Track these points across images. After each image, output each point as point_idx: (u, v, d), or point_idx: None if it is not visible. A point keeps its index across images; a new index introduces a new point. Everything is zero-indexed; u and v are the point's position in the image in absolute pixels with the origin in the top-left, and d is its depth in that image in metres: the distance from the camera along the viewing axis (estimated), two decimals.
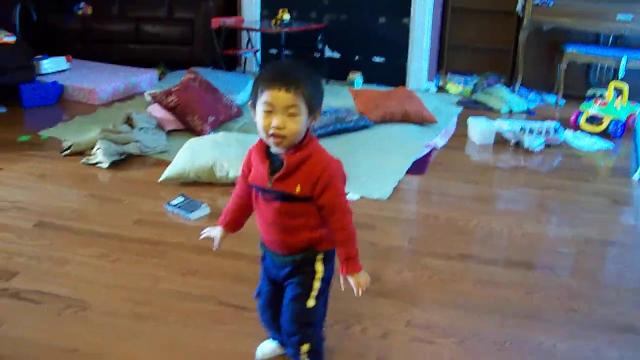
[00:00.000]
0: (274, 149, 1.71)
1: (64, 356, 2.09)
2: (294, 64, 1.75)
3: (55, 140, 4.30)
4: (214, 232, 1.95)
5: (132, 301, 2.42)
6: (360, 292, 1.75)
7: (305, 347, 1.87)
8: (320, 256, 1.81)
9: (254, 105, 1.68)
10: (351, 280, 1.76)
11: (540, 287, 2.60)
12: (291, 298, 1.83)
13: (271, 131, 1.63)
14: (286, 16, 5.82)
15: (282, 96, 1.61)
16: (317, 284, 1.81)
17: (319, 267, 1.81)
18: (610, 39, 6.01)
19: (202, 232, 1.99)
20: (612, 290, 2.62)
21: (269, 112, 1.63)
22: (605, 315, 2.41)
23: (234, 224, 1.93)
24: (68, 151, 3.99)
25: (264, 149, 1.74)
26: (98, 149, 3.84)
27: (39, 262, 2.71)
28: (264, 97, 1.62)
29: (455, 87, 6.23)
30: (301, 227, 1.76)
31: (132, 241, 2.91)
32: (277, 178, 1.69)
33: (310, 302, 1.81)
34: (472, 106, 5.60)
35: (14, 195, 3.39)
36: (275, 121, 1.62)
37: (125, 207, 3.29)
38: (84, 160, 3.87)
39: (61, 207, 3.26)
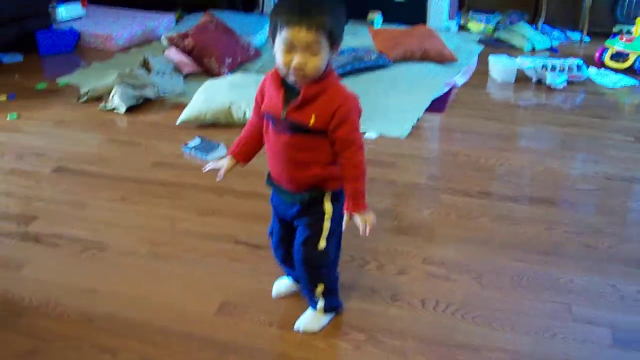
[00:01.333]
0: (290, 79, 1.65)
1: (84, 296, 2.12)
2: None
3: (73, 87, 4.30)
4: (221, 162, 1.87)
5: (150, 242, 2.44)
6: (367, 231, 1.69)
7: (319, 288, 1.88)
8: (328, 195, 1.77)
9: (273, 37, 1.62)
10: (357, 218, 1.70)
11: (560, 224, 2.57)
12: (302, 241, 1.80)
13: (292, 69, 1.58)
14: None
15: (303, 34, 1.53)
16: (327, 224, 1.78)
17: (328, 207, 1.78)
18: None
19: (206, 165, 1.90)
20: (632, 227, 2.59)
21: (289, 49, 1.57)
22: (624, 251, 2.39)
23: (245, 154, 1.87)
24: (85, 97, 3.99)
25: (279, 77, 1.68)
26: (115, 93, 3.83)
27: (57, 206, 2.73)
28: (284, 34, 1.55)
29: (477, 25, 6.07)
30: (310, 161, 1.72)
31: (150, 183, 2.92)
32: (292, 107, 1.64)
33: (322, 244, 1.79)
34: (494, 44, 5.47)
35: (32, 141, 3.41)
36: (296, 60, 1.56)
37: (143, 150, 3.30)
38: (101, 105, 3.86)
39: (79, 152, 3.28)
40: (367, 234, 1.69)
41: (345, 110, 1.64)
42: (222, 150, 3.21)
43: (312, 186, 1.76)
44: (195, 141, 3.29)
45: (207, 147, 3.22)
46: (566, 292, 2.14)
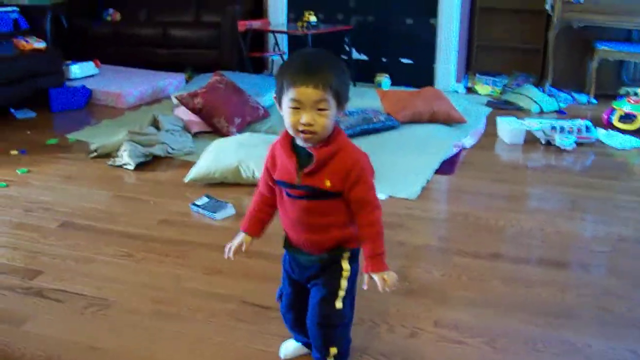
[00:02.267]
0: (301, 143, 1.65)
1: (85, 354, 2.07)
2: (319, 53, 1.68)
3: (83, 143, 4.33)
4: (237, 240, 1.84)
5: (155, 300, 2.39)
6: (386, 289, 1.67)
7: (333, 350, 1.82)
8: (347, 254, 1.75)
9: (279, 100, 1.63)
10: (376, 277, 1.68)
11: (573, 286, 2.52)
12: (318, 300, 1.76)
13: (300, 128, 1.58)
14: (313, 18, 5.79)
15: (310, 92, 1.55)
16: (344, 283, 1.75)
17: (345, 266, 1.75)
18: None
19: (226, 251, 1.84)
20: None
21: (296, 109, 1.57)
22: None
23: (258, 227, 1.85)
24: (95, 153, 4.01)
25: (289, 142, 1.67)
26: (124, 150, 3.84)
27: (63, 261, 2.70)
28: (291, 94, 1.56)
29: (484, 87, 6.13)
30: (330, 225, 1.70)
31: (157, 241, 2.89)
32: (307, 173, 1.63)
33: (338, 304, 1.75)
34: (502, 106, 5.50)
35: (40, 195, 3.41)
36: (305, 118, 1.56)
37: (151, 207, 3.28)
38: (110, 162, 3.88)
39: (87, 207, 3.26)
40: (387, 291, 1.67)
41: (359, 170, 1.64)
42: (230, 209, 3.19)
43: (332, 247, 1.73)
44: (203, 200, 3.27)
45: (214, 206, 3.20)
46: (583, 358, 2.07)
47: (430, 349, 2.10)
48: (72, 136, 4.49)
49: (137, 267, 2.66)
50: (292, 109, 1.57)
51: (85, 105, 5.40)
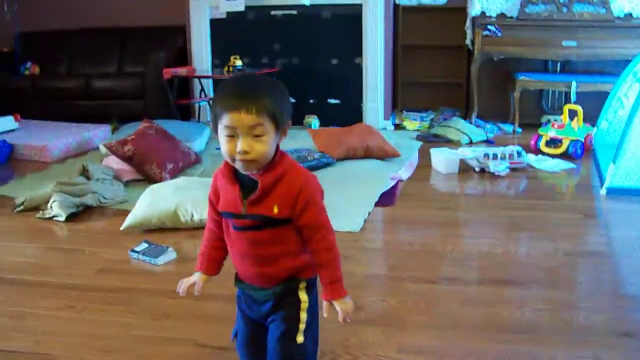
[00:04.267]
0: (242, 170, 1.56)
1: None
2: (253, 76, 1.62)
3: (7, 198, 4.10)
4: (193, 278, 1.72)
5: (104, 350, 2.23)
6: (347, 320, 1.59)
7: None
8: (302, 284, 1.65)
9: (215, 128, 1.54)
10: (337, 306, 1.59)
11: (529, 302, 2.51)
12: (278, 337, 1.64)
13: (237, 156, 1.49)
14: (238, 62, 5.76)
15: (243, 118, 1.46)
16: (303, 316, 1.65)
17: (303, 297, 1.65)
18: (559, 65, 6.13)
19: (178, 286, 1.72)
20: (602, 298, 2.55)
21: (231, 136, 1.48)
22: (600, 322, 2.33)
23: (214, 265, 1.73)
24: (22, 207, 3.79)
25: (231, 171, 1.58)
26: (54, 202, 3.65)
27: None
28: (224, 120, 1.47)
29: (412, 123, 6.23)
30: (280, 255, 1.60)
31: (97, 290, 2.72)
32: (252, 201, 1.54)
33: (300, 338, 1.64)
34: (431, 140, 5.58)
35: None
36: (240, 145, 1.47)
37: (87, 257, 3.11)
38: (39, 214, 3.67)
39: (16, 261, 3.07)
40: (347, 322, 1.59)
41: (307, 193, 1.56)
42: (171, 253, 3.06)
43: (285, 279, 1.64)
44: (142, 246, 3.12)
45: (155, 252, 3.06)
46: None
47: None
48: None
49: (79, 318, 2.49)
50: (227, 137, 1.49)
51: (6, 161, 5.15)
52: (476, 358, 2.12)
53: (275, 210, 1.54)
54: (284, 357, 1.65)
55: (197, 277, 1.72)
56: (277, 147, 1.57)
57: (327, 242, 1.60)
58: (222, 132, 1.50)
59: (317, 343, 1.80)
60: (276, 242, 1.59)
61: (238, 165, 1.52)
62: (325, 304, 1.61)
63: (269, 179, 1.54)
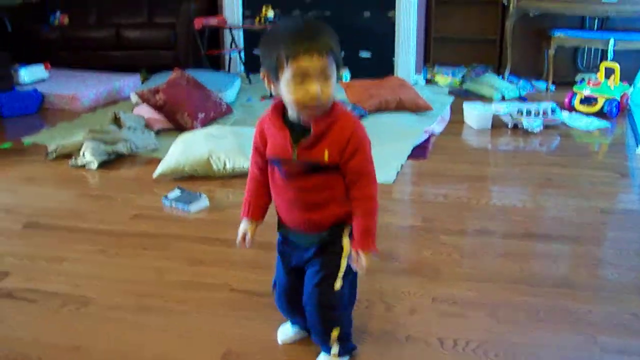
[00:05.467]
0: (293, 116, 1.54)
1: (68, 354, 1.92)
2: (307, 19, 1.57)
3: (40, 146, 4.13)
4: (242, 227, 1.72)
5: (138, 294, 2.26)
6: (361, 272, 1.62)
7: (335, 333, 1.71)
8: (347, 230, 1.64)
9: (274, 75, 1.48)
10: (362, 257, 1.59)
11: (565, 257, 2.49)
12: (316, 282, 1.65)
13: (311, 102, 1.45)
14: (270, 13, 5.69)
15: (316, 62, 1.42)
16: (344, 262, 1.64)
17: (346, 243, 1.64)
18: (596, 22, 5.96)
19: (238, 239, 1.72)
20: (637, 257, 2.50)
21: (302, 82, 1.44)
22: (634, 280, 2.30)
23: (260, 211, 1.72)
24: (54, 154, 3.82)
25: (280, 117, 1.56)
26: (86, 149, 3.68)
27: (32, 261, 2.54)
28: (294, 65, 1.42)
29: (444, 78, 6.13)
30: (328, 201, 1.59)
31: (131, 236, 2.75)
32: (304, 147, 1.52)
33: (338, 284, 1.64)
34: (463, 95, 5.51)
35: (0, 198, 3.22)
36: (314, 89, 1.43)
37: (120, 204, 3.13)
38: (71, 162, 3.70)
39: (51, 207, 3.10)
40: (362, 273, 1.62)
41: (357, 139, 1.54)
42: (204, 200, 3.06)
43: (332, 225, 1.63)
44: (175, 193, 3.14)
45: (188, 198, 3.07)
46: (586, 323, 2.02)
47: (432, 323, 2.03)
48: (27, 139, 4.29)
49: (114, 262, 2.52)
50: (296, 82, 1.44)
51: (37, 110, 5.19)
52: (511, 310, 2.10)
53: (326, 155, 1.52)
54: (321, 303, 1.66)
55: (245, 225, 1.72)
56: None
57: (369, 191, 1.59)
58: (289, 78, 1.44)
59: (356, 291, 1.80)
60: (325, 188, 1.58)
61: (306, 112, 1.49)
62: (354, 254, 1.60)
63: (322, 125, 1.51)
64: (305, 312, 1.73)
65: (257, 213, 1.72)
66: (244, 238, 1.72)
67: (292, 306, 1.80)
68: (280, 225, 1.71)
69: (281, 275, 1.78)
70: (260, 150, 1.64)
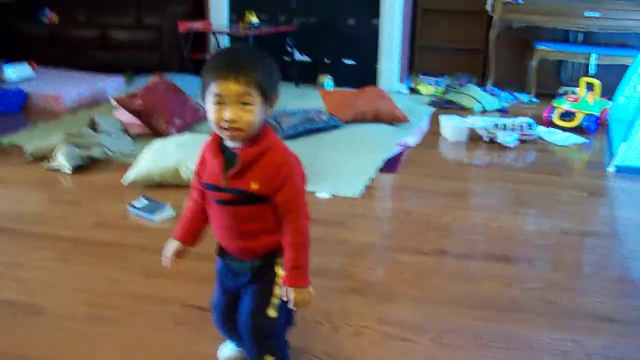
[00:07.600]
0: (229, 143, 1.57)
1: None
2: (245, 48, 1.63)
3: (18, 147, 4.14)
4: (171, 248, 1.76)
5: (91, 304, 2.28)
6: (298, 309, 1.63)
7: (268, 359, 1.73)
8: (280, 260, 1.65)
9: (203, 96, 1.53)
10: (290, 294, 1.60)
11: (518, 280, 2.51)
12: (250, 310, 1.66)
13: (224, 125, 1.49)
14: (254, 19, 5.72)
15: (232, 87, 1.46)
16: (277, 290, 1.65)
17: (279, 271, 1.65)
18: (579, 36, 6.00)
19: (163, 256, 1.77)
20: (591, 281, 2.55)
21: (219, 105, 1.48)
22: (585, 305, 2.33)
23: (192, 235, 1.75)
24: (31, 156, 3.84)
25: (217, 143, 1.59)
26: (61, 153, 3.69)
27: None
28: (213, 88, 1.47)
29: (427, 88, 6.16)
30: (259, 231, 1.62)
31: (92, 244, 2.77)
32: (232, 175, 1.55)
33: (272, 312, 1.66)
34: (444, 106, 5.54)
35: None
36: (228, 114, 1.47)
37: (87, 210, 3.16)
38: (45, 165, 3.72)
39: (17, 211, 3.12)
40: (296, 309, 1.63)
41: (286, 173, 1.56)
42: (168, 210, 3.09)
43: (265, 254, 1.65)
44: (141, 201, 3.16)
45: (152, 208, 3.09)
46: (528, 349, 2.05)
47: (375, 347, 2.06)
48: (5, 140, 4.30)
49: (71, 270, 2.54)
50: (215, 105, 1.49)
51: (20, 109, 5.20)
52: (456, 335, 2.13)
53: (254, 186, 1.55)
54: (255, 330, 1.67)
55: (174, 245, 1.76)
56: (265, 121, 1.57)
57: (297, 226, 1.60)
58: (210, 100, 1.50)
59: (291, 319, 1.82)
60: (255, 219, 1.60)
61: (225, 135, 1.53)
62: (284, 290, 1.62)
63: (250, 154, 1.54)
64: (241, 335, 1.75)
65: (188, 237, 1.76)
66: (172, 258, 1.76)
67: (229, 326, 1.82)
68: (219, 248, 1.73)
69: (219, 296, 1.81)
70: (199, 175, 1.67)
